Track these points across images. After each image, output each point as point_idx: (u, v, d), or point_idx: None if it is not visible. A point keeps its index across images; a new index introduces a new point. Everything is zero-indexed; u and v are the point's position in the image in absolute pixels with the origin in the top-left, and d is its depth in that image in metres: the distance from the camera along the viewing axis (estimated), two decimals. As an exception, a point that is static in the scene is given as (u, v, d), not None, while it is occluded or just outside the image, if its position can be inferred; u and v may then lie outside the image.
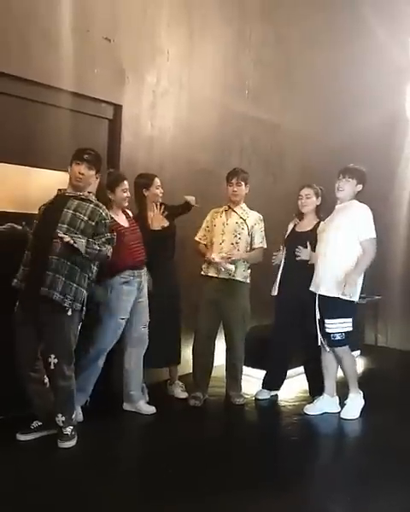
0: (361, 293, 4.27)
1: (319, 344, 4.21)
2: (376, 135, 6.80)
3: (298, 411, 4.33)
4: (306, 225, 4.49)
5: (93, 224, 3.45)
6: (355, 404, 4.23)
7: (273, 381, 4.62)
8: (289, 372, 4.73)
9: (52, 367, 3.42)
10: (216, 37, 5.23)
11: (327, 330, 4.12)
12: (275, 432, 4.11)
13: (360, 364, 5.58)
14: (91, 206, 3.48)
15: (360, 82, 6.78)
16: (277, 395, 4.65)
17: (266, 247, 4.48)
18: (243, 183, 4.43)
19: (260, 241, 4.44)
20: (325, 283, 4.10)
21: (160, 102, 4.72)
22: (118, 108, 4.40)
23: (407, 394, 4.74)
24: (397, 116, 7.38)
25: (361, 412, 4.22)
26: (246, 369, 4.87)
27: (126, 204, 3.96)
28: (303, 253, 4.26)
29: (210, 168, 5.16)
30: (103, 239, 3.49)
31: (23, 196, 3.93)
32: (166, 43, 4.73)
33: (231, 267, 4.27)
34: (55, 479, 3.10)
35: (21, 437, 3.48)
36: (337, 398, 4.32)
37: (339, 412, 4.25)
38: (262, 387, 4.62)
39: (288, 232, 4.57)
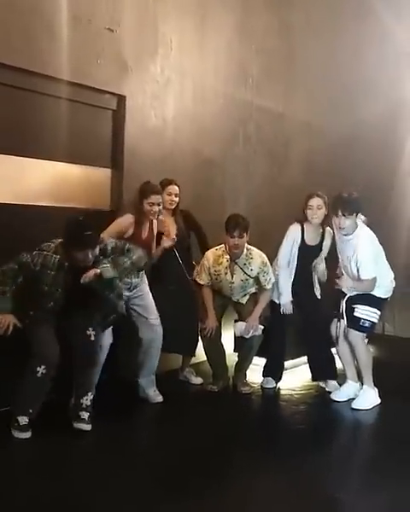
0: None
1: (335, 334, 4.30)
2: (381, 122, 6.78)
3: (305, 400, 4.35)
4: (314, 237, 4.47)
5: (112, 255, 3.54)
6: (367, 396, 4.23)
7: (272, 369, 4.62)
8: (296, 361, 4.75)
9: (92, 338, 3.56)
10: (219, 26, 5.20)
11: (357, 314, 4.17)
12: (282, 420, 4.13)
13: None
14: (98, 249, 3.48)
15: (365, 69, 6.76)
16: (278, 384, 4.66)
17: (274, 280, 4.42)
18: (245, 234, 4.25)
19: (264, 285, 4.42)
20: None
21: (163, 92, 4.70)
22: (121, 99, 4.38)
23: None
24: (402, 103, 7.35)
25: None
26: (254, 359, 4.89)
27: (153, 217, 4.01)
28: (344, 282, 4.22)
29: (214, 158, 5.15)
30: (125, 252, 3.58)
31: (26, 188, 3.92)
32: (169, 32, 4.70)
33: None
34: (70, 464, 3.13)
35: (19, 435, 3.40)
36: (359, 384, 4.33)
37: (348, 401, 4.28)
38: (263, 375, 4.63)
39: (298, 242, 4.43)
